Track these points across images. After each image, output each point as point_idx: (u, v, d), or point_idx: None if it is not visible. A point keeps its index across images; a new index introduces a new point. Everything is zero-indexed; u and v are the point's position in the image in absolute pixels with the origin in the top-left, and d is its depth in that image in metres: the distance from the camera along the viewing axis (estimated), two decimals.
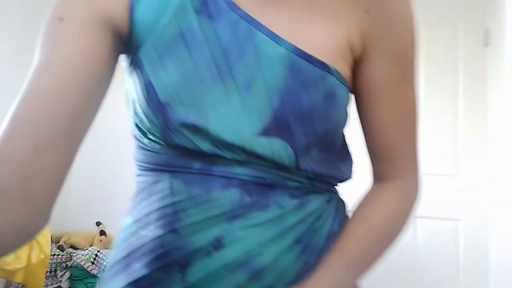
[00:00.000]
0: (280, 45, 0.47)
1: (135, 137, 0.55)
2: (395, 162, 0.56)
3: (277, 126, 0.48)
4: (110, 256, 0.57)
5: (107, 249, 2.35)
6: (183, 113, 0.47)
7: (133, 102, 0.51)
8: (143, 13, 0.48)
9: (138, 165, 0.56)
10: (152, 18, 0.48)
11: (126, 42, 0.50)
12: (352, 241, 0.52)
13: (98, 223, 2.60)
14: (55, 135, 0.42)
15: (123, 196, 2.61)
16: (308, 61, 0.48)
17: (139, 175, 0.56)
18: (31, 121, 0.42)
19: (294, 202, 0.50)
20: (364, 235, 0.53)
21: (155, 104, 0.47)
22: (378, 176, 0.58)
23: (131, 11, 0.48)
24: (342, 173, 0.56)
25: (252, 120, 0.47)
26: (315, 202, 0.52)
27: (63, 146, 0.43)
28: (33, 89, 0.43)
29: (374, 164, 0.58)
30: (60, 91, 0.43)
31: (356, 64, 0.54)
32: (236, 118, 0.47)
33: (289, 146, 0.49)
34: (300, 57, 0.47)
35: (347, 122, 0.54)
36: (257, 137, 0.47)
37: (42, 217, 0.42)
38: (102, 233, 2.50)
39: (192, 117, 0.47)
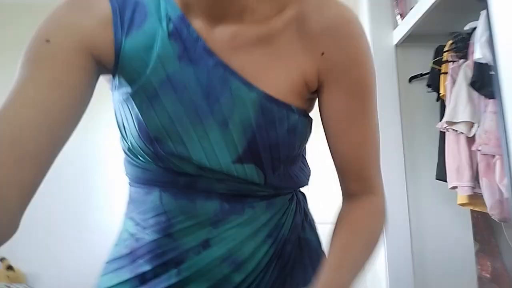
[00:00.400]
0: (251, 91, 0.54)
1: (126, 154, 0.60)
2: (362, 181, 0.59)
3: (250, 155, 0.56)
4: (112, 251, 0.65)
5: (16, 283, 2.32)
6: (171, 146, 0.54)
7: (124, 128, 0.58)
8: (129, 51, 0.52)
9: (130, 178, 0.63)
10: (138, 59, 0.52)
11: (109, 69, 0.54)
12: (347, 251, 0.55)
13: (2, 259, 2.51)
14: (33, 145, 0.43)
15: (26, 229, 2.58)
16: (274, 104, 0.54)
17: (131, 185, 0.63)
18: (11, 130, 0.43)
19: (263, 203, 0.60)
20: (356, 245, 0.56)
21: (146, 138, 0.54)
22: (349, 193, 0.61)
23: (116, 46, 0.52)
24: (301, 182, 0.65)
25: (229, 151, 0.55)
26: (279, 202, 0.62)
27: (39, 156, 0.44)
28: (16, 100, 0.45)
29: (344, 182, 0.61)
30: (43, 105, 0.45)
31: (318, 96, 0.59)
32: (215, 150, 0.55)
33: (260, 169, 0.57)
34: (268, 100, 0.54)
35: (307, 142, 0.62)
36: (233, 164, 0.55)
37: (12, 225, 0.42)
38: (9, 268, 2.43)
39: (178, 149, 0.54)
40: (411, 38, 1.88)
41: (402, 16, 1.92)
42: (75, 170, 2.56)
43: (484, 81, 1.32)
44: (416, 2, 1.76)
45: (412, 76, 1.92)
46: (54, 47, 0.48)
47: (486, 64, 1.32)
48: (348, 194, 0.61)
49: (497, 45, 1.10)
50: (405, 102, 1.89)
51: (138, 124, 0.54)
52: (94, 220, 2.54)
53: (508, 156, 1.06)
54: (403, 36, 1.89)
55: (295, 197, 0.66)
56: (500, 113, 1.07)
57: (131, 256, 0.60)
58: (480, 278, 1.83)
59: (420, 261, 1.80)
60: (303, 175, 0.66)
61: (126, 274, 0.60)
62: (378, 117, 0.59)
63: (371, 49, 0.57)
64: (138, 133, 0.54)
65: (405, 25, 1.85)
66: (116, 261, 0.62)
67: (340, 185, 0.61)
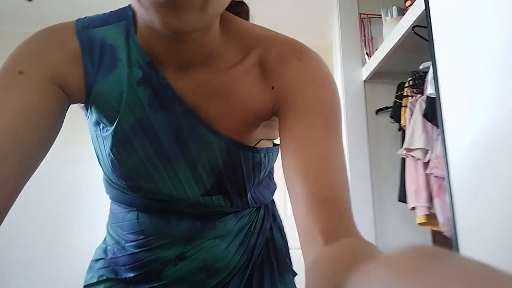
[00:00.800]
0: (218, 137, 0.56)
1: (105, 175, 0.64)
2: (337, 213, 0.41)
3: (217, 189, 0.61)
4: (97, 251, 0.72)
5: None
6: (142, 183, 0.59)
7: (99, 157, 0.61)
8: (99, 95, 0.53)
9: (109, 195, 0.68)
10: (108, 105, 0.54)
11: (81, 101, 0.55)
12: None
13: None
14: (4, 169, 0.43)
15: (12, 259, 2.61)
16: (239, 148, 0.58)
17: (112, 202, 0.69)
18: None
19: (232, 216, 0.66)
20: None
21: (119, 175, 0.59)
22: (321, 236, 0.38)
23: (87, 84, 0.53)
24: (266, 199, 0.71)
25: (198, 187, 0.60)
26: (247, 213, 0.68)
27: (10, 181, 0.44)
28: None
29: (312, 218, 0.40)
30: (15, 132, 0.45)
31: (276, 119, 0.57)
32: (185, 187, 0.59)
33: (227, 198, 0.62)
34: (234, 145, 0.57)
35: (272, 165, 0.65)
36: (202, 197, 0.61)
37: None
38: None
39: (149, 186, 0.59)
40: (378, 75, 2.10)
41: (370, 55, 2.15)
42: (60, 197, 2.65)
43: (434, 112, 1.52)
44: (381, 43, 1.99)
45: (378, 109, 2.13)
46: (26, 78, 0.48)
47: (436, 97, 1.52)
48: (320, 237, 0.38)
49: (440, 82, 1.30)
50: (372, 132, 2.08)
51: (111, 162, 0.58)
52: (76, 248, 2.60)
53: (449, 177, 1.23)
54: (370, 73, 2.10)
55: (262, 206, 0.72)
56: (442, 140, 1.26)
57: (115, 261, 0.68)
58: None
59: None
60: (269, 192, 0.72)
61: (111, 275, 0.67)
62: (349, 145, 0.65)
63: (343, 84, 0.66)
64: (112, 170, 0.59)
65: (372, 63, 2.08)
66: (102, 261, 0.70)
67: (304, 234, 0.41)
